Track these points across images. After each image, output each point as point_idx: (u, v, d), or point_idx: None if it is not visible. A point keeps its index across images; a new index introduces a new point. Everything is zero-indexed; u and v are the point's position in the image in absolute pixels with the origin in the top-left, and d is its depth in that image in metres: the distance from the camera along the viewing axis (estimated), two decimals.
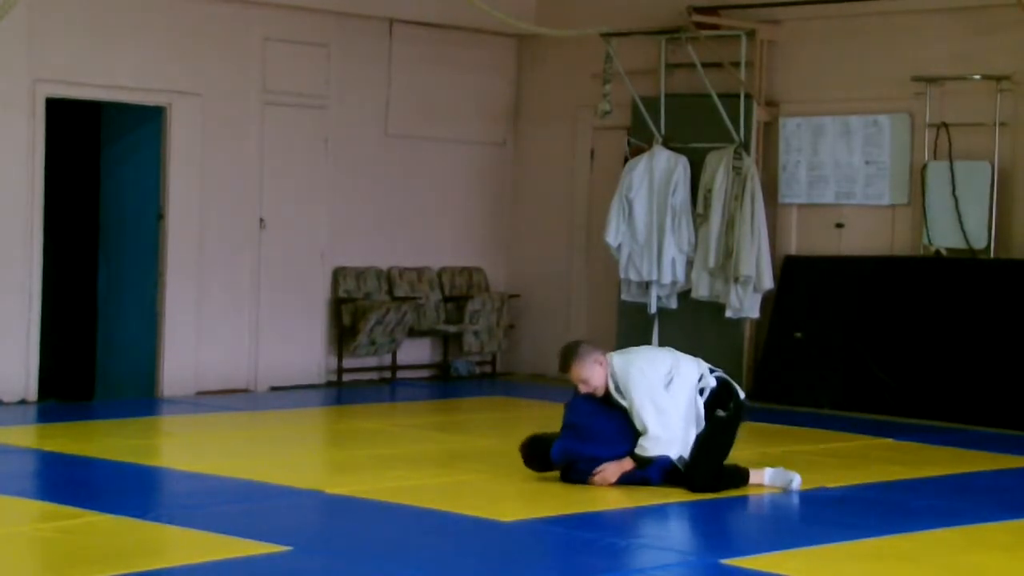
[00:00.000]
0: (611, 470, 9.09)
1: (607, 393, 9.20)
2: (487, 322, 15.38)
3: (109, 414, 12.54)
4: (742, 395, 9.42)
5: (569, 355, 9.25)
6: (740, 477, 9.31)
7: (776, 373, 13.85)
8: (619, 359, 9.25)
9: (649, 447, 9.05)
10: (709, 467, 9.14)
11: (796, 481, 9.27)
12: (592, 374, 9.17)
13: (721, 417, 9.21)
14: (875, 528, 8.22)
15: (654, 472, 9.12)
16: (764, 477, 9.33)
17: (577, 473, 9.18)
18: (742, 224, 13.77)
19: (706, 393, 9.22)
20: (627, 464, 9.10)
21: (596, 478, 9.09)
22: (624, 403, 9.14)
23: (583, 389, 9.23)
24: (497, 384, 15.26)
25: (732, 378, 9.50)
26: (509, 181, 16.01)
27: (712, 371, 9.34)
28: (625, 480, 9.11)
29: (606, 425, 9.19)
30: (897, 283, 13.32)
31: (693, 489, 9.06)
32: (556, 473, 9.26)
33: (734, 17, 14.18)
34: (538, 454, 9.35)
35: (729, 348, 14.14)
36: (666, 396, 9.10)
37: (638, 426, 9.09)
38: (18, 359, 12.56)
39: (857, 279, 13.58)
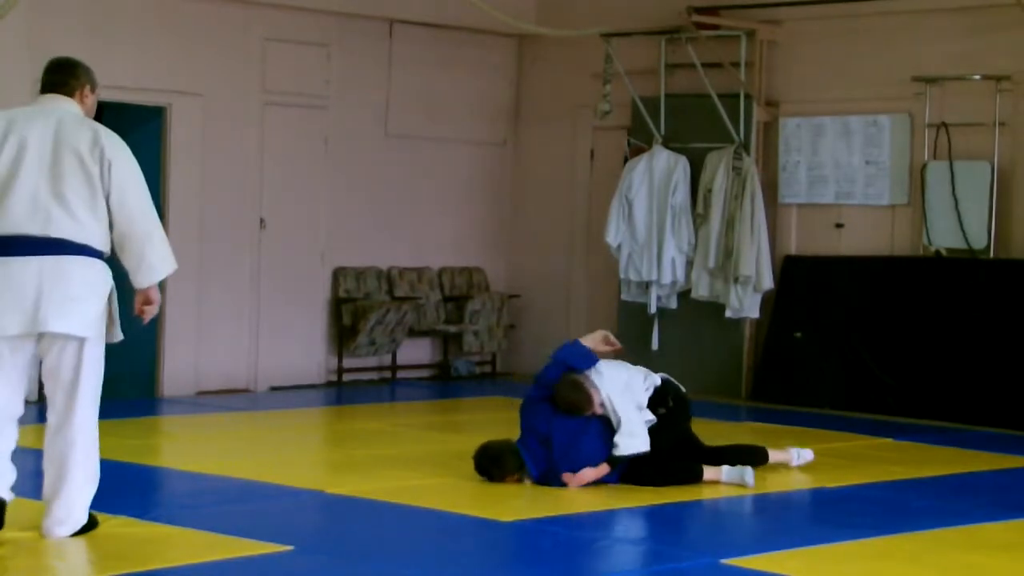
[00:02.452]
0: (589, 476, 9.10)
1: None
2: (487, 322, 15.39)
3: (109, 414, 12.46)
4: (683, 389, 9.65)
5: (581, 388, 9.17)
6: (693, 474, 9.34)
7: (776, 373, 13.85)
8: (594, 376, 9.35)
9: (623, 445, 9.09)
10: (653, 463, 9.26)
11: (748, 474, 9.31)
12: (597, 394, 9.24)
13: (663, 414, 9.40)
14: (875, 528, 8.22)
15: (613, 477, 9.22)
16: (721, 474, 9.37)
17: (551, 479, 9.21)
18: (742, 224, 13.78)
19: (651, 391, 9.40)
20: (603, 469, 9.13)
21: (573, 479, 9.07)
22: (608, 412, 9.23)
23: (600, 411, 9.20)
24: (497, 384, 15.26)
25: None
26: (509, 181, 16.01)
27: (650, 375, 9.54)
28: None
29: (590, 443, 9.17)
30: (897, 283, 13.32)
31: (639, 483, 9.18)
32: None
33: (734, 17, 14.18)
34: (491, 461, 9.28)
35: (729, 348, 14.16)
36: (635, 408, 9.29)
37: (615, 421, 9.16)
38: None
39: (857, 279, 13.58)
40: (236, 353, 13.89)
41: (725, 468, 9.36)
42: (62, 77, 7.44)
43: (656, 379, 9.52)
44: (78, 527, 7.36)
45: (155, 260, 7.38)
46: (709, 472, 9.34)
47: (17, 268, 7.14)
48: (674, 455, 9.39)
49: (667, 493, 8.99)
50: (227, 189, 13.79)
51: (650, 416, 9.32)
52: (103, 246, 7.31)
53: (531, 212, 15.92)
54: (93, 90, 7.52)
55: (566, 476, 9.08)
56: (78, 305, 7.23)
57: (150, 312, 7.64)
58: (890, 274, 13.40)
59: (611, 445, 9.12)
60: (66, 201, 7.16)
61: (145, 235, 7.29)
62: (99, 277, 7.33)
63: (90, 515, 7.45)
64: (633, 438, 9.11)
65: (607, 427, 9.18)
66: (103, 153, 7.19)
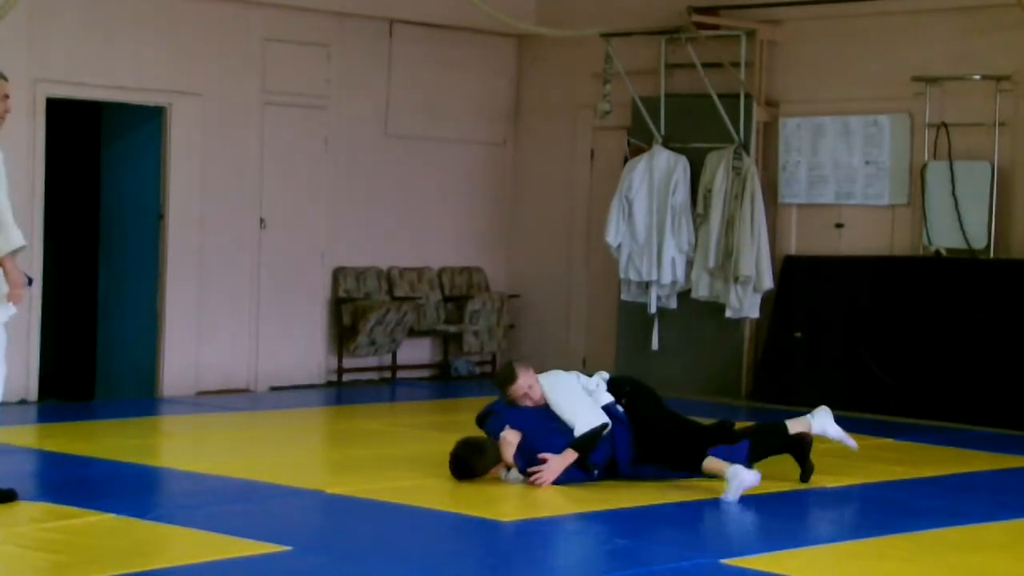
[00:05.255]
0: (553, 465, 9.07)
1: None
2: (487, 322, 15.39)
3: (109, 414, 12.54)
4: (635, 377, 9.96)
5: (511, 371, 9.44)
6: (694, 456, 9.31)
7: (776, 373, 13.85)
8: (542, 377, 9.51)
9: (580, 425, 9.15)
10: (678, 438, 9.31)
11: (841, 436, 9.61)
12: (534, 383, 9.39)
13: (625, 403, 9.46)
14: (875, 528, 8.23)
15: (594, 475, 9.22)
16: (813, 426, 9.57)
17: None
18: (742, 224, 13.78)
19: (602, 385, 9.52)
20: (569, 456, 9.11)
21: (537, 479, 9.05)
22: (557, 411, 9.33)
23: (526, 402, 9.36)
24: None
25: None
26: (509, 181, 16.01)
27: (598, 375, 9.66)
28: (569, 478, 9.14)
29: (552, 423, 9.26)
30: (897, 283, 13.32)
31: (678, 467, 9.25)
32: None
33: (734, 17, 14.19)
34: (474, 452, 9.31)
35: (729, 348, 14.16)
36: (585, 395, 9.40)
37: (569, 424, 9.23)
38: (19, 359, 12.52)
39: (857, 279, 13.58)
40: (236, 353, 13.89)
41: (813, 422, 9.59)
42: None
43: (599, 377, 9.59)
44: None
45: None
46: (796, 424, 9.49)
47: None
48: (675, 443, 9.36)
49: (667, 493, 8.99)
50: (227, 189, 13.79)
51: (607, 398, 9.37)
52: None
53: (531, 212, 15.92)
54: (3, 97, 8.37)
55: (535, 477, 9.05)
56: None
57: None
58: (890, 274, 13.40)
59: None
60: None
61: None
62: None
63: None
64: (587, 415, 9.18)
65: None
66: None
